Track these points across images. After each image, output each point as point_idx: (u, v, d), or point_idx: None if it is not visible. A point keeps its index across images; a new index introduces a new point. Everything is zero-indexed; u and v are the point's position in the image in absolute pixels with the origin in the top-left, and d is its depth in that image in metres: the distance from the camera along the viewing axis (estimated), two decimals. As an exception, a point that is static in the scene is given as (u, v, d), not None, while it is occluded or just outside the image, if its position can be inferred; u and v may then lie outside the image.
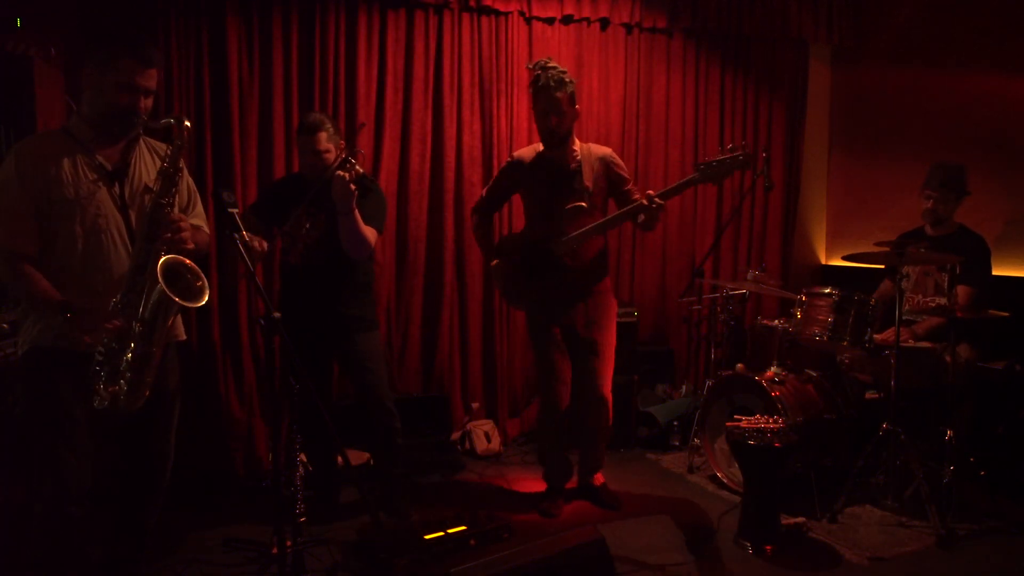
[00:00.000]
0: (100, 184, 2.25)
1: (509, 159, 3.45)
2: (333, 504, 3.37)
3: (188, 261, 2.22)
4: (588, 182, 3.20)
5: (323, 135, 3.05)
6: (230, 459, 3.71)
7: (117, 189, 2.28)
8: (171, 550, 2.91)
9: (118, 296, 2.18)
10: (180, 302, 2.14)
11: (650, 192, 3.03)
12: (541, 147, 3.30)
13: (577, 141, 3.29)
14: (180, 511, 3.24)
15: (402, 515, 3.23)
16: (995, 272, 3.68)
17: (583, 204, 3.18)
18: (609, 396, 3.30)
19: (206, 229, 2.57)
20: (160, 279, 2.10)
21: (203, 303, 2.20)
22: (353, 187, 2.79)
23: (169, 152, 2.28)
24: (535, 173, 3.30)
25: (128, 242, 2.28)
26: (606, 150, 3.32)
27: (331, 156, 3.08)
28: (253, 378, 3.82)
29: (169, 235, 2.20)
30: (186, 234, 2.24)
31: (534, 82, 3.16)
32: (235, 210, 2.33)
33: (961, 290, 3.44)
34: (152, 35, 3.46)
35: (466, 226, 4.19)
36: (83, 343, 2.15)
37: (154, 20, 3.53)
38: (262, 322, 2.28)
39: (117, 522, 2.48)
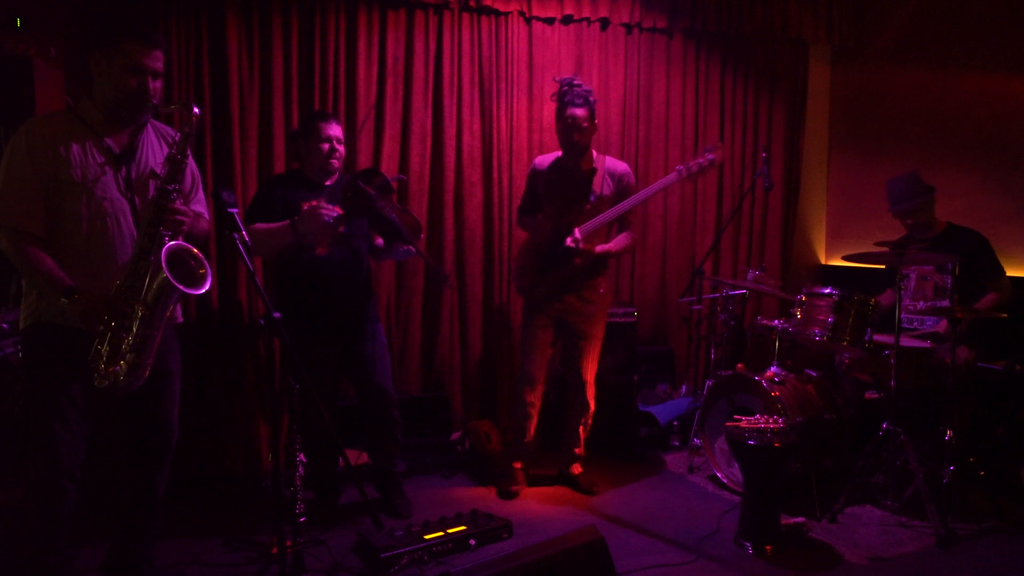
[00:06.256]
0: (107, 168, 2.27)
1: (531, 167, 3.63)
2: (333, 504, 3.37)
3: (194, 249, 2.24)
4: (598, 188, 3.39)
5: (341, 127, 3.17)
6: (230, 459, 3.71)
7: (124, 172, 2.30)
8: (171, 550, 2.89)
9: (121, 279, 2.19)
10: (183, 289, 2.16)
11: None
12: (559, 154, 3.49)
13: (594, 151, 3.48)
14: (180, 511, 3.24)
15: (402, 515, 3.24)
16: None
17: (589, 206, 3.38)
18: (593, 383, 3.58)
19: (206, 216, 2.59)
20: (164, 265, 2.12)
21: (205, 290, 2.22)
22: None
23: (178, 139, 2.29)
24: (551, 178, 3.48)
25: (132, 226, 2.30)
26: (624, 167, 3.51)
27: (344, 150, 3.17)
28: (253, 378, 3.81)
29: (171, 221, 2.21)
30: (186, 221, 2.27)
31: (560, 97, 3.32)
32: (235, 210, 2.34)
33: (990, 299, 3.48)
34: (151, 18, 3.49)
35: (466, 226, 4.22)
36: (84, 324, 2.16)
37: (154, 19, 3.52)
38: (262, 322, 2.29)
39: (130, 492, 2.53)
